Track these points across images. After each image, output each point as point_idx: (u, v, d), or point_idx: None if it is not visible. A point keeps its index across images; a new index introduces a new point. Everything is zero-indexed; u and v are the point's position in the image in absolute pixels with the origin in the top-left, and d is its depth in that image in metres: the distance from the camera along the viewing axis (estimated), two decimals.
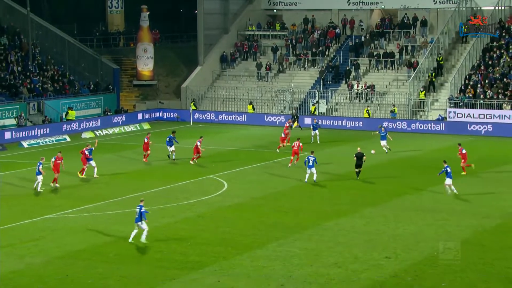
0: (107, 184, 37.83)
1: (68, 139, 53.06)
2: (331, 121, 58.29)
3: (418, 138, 52.77)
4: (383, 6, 67.70)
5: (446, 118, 56.30)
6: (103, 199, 34.16)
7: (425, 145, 49.25)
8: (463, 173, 38.28)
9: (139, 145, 43.76)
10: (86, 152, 38.40)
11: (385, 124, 56.06)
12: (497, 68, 58.05)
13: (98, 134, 55.53)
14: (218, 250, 26.37)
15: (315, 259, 25.30)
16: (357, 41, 65.66)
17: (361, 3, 67.71)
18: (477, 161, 43.89)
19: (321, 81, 63.05)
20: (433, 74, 60.35)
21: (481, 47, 60.54)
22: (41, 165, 35.21)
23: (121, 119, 59.91)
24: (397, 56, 63.27)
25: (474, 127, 54.46)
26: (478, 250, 26.27)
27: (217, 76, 68.09)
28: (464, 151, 38.80)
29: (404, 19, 65.42)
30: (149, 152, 42.90)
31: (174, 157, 43.12)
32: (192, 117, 61.41)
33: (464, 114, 55.95)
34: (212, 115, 62.36)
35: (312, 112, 59.93)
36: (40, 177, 35.23)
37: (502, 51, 59.28)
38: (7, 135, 51.65)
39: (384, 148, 44.61)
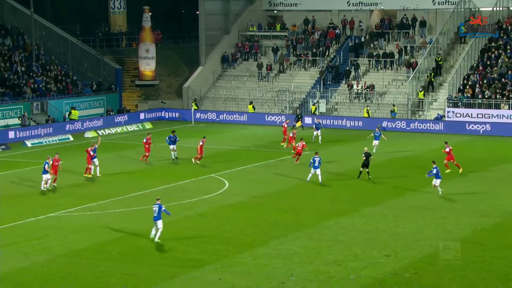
0: (110, 183, 37.82)
1: (71, 139, 53.08)
2: (331, 121, 58.24)
3: (417, 138, 52.73)
4: (382, 7, 67.69)
5: (444, 117, 56.25)
6: (105, 197, 34.16)
7: (424, 145, 49.21)
8: (448, 170, 38.04)
9: (141, 144, 43.70)
10: (91, 153, 38.32)
11: (384, 124, 56.22)
12: (495, 68, 58.02)
13: (100, 134, 55.48)
14: (220, 248, 26.36)
15: (316, 257, 25.29)
16: (357, 41, 65.64)
17: (360, 4, 67.71)
18: (476, 161, 43.95)
19: (321, 81, 63.04)
20: (432, 74, 60.34)
21: (479, 47, 60.52)
22: (47, 165, 35.25)
23: (123, 118, 59.91)
24: (396, 56, 63.26)
25: (472, 127, 54.44)
26: (477, 248, 26.25)
27: (218, 76, 68.09)
28: (448, 149, 38.61)
29: (403, 19, 65.41)
30: (148, 153, 42.53)
31: (174, 156, 42.82)
32: (193, 116, 61.41)
33: (463, 113, 55.93)
34: (214, 114, 62.37)
35: (312, 112, 59.90)
36: (46, 176, 35.22)
37: (500, 52, 59.26)
38: (11, 134, 51.66)
39: (374, 147, 44.28)
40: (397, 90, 60.77)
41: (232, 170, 40.77)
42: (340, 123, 58.19)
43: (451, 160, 38.42)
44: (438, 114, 56.93)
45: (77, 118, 57.09)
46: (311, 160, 36.85)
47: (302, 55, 66.57)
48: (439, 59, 60.76)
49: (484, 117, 55.10)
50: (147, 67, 68.62)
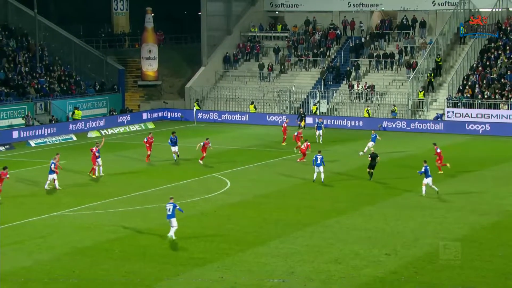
0: (112, 182, 37.86)
1: (75, 138, 53.15)
2: (332, 121, 58.27)
3: (417, 138, 52.74)
4: (383, 8, 67.71)
5: (444, 115, 56.26)
6: (108, 197, 34.21)
7: (424, 145, 49.17)
8: (440, 172, 38.11)
9: (143, 144, 43.71)
10: (96, 153, 38.33)
11: (384, 124, 56.27)
12: (495, 68, 58.04)
13: (103, 134, 55.58)
14: (222, 246, 26.40)
15: (316, 256, 25.33)
16: (357, 42, 65.66)
17: (361, 5, 67.74)
18: (476, 160, 44.00)
19: (322, 82, 63.07)
20: (432, 74, 60.36)
21: (479, 48, 60.54)
22: (53, 165, 35.30)
23: (126, 118, 59.97)
24: (396, 57, 63.29)
25: (472, 127, 54.47)
26: (476, 247, 26.29)
27: (220, 76, 68.12)
28: (439, 150, 38.71)
29: (404, 20, 65.42)
30: (150, 152, 42.48)
31: (175, 158, 42.67)
32: (195, 116, 61.46)
33: (462, 114, 55.96)
34: (215, 114, 62.41)
35: (313, 112, 59.93)
36: (52, 176, 35.26)
37: (500, 52, 59.28)
38: (15, 134, 51.73)
39: (366, 148, 44.19)
40: (397, 91, 60.79)
41: (234, 169, 40.82)
42: (340, 123, 58.23)
43: (439, 161, 38.44)
44: (437, 113, 56.96)
45: (80, 118, 57.17)
46: (313, 158, 36.91)
47: (303, 56, 66.61)
48: (439, 60, 60.78)
49: (484, 117, 55.12)
50: (150, 68, 68.68)
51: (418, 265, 24.39)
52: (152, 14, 69.23)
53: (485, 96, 56.02)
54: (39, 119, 55.48)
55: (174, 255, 25.59)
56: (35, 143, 50.85)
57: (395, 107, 58.35)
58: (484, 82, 57.03)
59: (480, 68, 58.45)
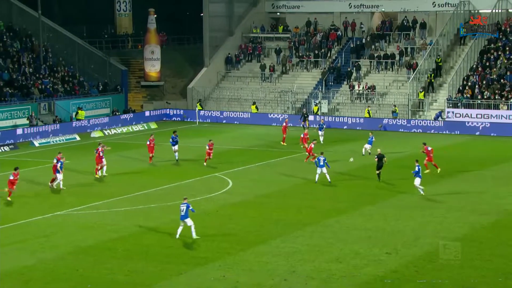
0: (115, 182, 37.85)
1: (78, 138, 53.17)
2: (333, 121, 58.20)
3: (417, 138, 52.65)
4: (383, 9, 67.67)
5: (444, 114, 56.20)
6: (111, 196, 34.21)
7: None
8: (427, 171, 37.90)
9: (145, 144, 43.69)
10: (101, 153, 38.30)
11: (385, 121, 56.26)
12: (494, 69, 57.98)
13: (106, 134, 55.62)
14: (223, 246, 26.39)
15: (317, 255, 25.30)
16: (358, 43, 65.62)
17: (362, 6, 67.70)
18: (475, 160, 43.96)
19: (323, 82, 63.04)
20: (432, 75, 60.30)
21: (478, 49, 60.48)
22: (61, 164, 35.28)
23: (129, 118, 59.94)
24: (397, 57, 63.23)
25: (472, 127, 54.39)
26: (476, 246, 26.26)
27: (222, 77, 68.10)
28: (430, 148, 38.59)
29: (404, 21, 65.36)
30: (153, 154, 42.33)
31: (177, 158, 42.67)
32: (198, 117, 61.45)
33: (462, 114, 55.90)
34: (217, 114, 62.36)
35: (315, 112, 59.91)
36: (59, 176, 35.26)
37: (499, 53, 59.21)
38: (19, 134, 51.73)
39: (363, 150, 44.09)
40: (397, 91, 60.75)
41: (235, 169, 40.80)
42: (342, 121, 58.15)
43: (429, 160, 38.39)
44: (437, 112, 56.82)
45: (83, 118, 57.18)
46: (316, 159, 36.89)
47: (304, 57, 66.58)
48: (439, 60, 60.72)
49: (483, 117, 55.06)
50: (152, 68, 68.66)
51: (419, 264, 24.36)
52: (155, 15, 69.22)
53: (485, 97, 55.96)
54: (43, 119, 55.50)
55: (176, 254, 25.57)
56: (39, 143, 50.87)
57: (396, 107, 58.30)
58: (484, 82, 56.97)
59: (479, 69, 58.39)
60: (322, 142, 48.95)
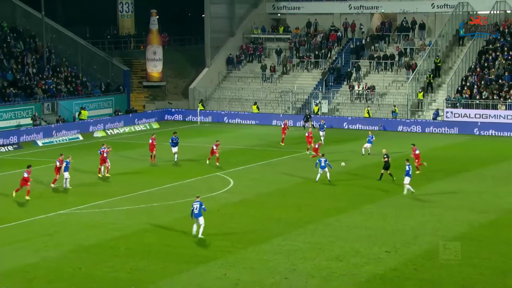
0: (118, 181, 37.84)
1: (81, 138, 53.17)
2: (333, 121, 58.19)
3: (416, 137, 52.59)
4: (383, 10, 67.64)
5: (442, 111, 56.17)
6: (113, 195, 34.20)
7: (423, 144, 49.06)
8: (418, 172, 37.88)
9: (147, 144, 43.68)
10: (105, 154, 38.26)
11: (385, 116, 56.30)
12: (493, 69, 57.97)
13: (109, 133, 55.62)
14: (225, 244, 26.37)
15: (318, 253, 25.29)
16: (358, 44, 65.60)
17: (361, 8, 67.68)
18: (474, 159, 43.92)
19: (324, 82, 63.02)
20: (431, 75, 60.27)
21: (477, 49, 60.46)
22: (68, 164, 35.28)
23: (131, 118, 59.95)
24: (396, 58, 63.21)
25: (470, 127, 54.38)
26: (475, 244, 26.24)
27: (224, 77, 68.10)
28: (417, 152, 38.54)
29: (403, 22, 65.33)
30: (154, 152, 42.30)
31: (176, 159, 42.38)
32: (199, 116, 61.44)
33: (461, 114, 55.89)
34: (219, 115, 62.33)
35: (315, 112, 59.89)
36: (66, 174, 35.27)
37: (498, 54, 59.19)
38: (23, 134, 51.74)
39: (363, 149, 44.03)
40: (397, 91, 60.73)
41: (236, 168, 40.78)
42: (341, 123, 58.16)
43: (417, 161, 38.35)
44: (436, 110, 56.73)
45: (86, 118, 57.18)
46: (317, 161, 36.83)
47: (304, 57, 66.57)
48: (438, 61, 60.69)
49: (482, 117, 55.05)
50: (154, 69, 68.67)
51: (418, 262, 24.35)
52: (157, 16, 69.23)
53: (483, 97, 55.93)
54: (46, 119, 55.51)
55: (178, 253, 25.56)
56: (42, 143, 50.88)
57: (396, 108, 58.28)
58: (482, 83, 56.94)
59: (478, 69, 58.37)
60: (323, 142, 48.92)
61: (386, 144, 46.06)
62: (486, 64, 58.50)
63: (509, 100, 55.08)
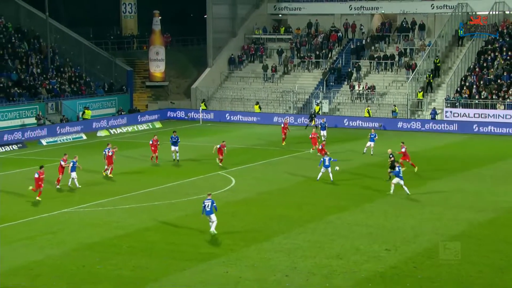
0: (121, 180, 37.84)
1: (85, 137, 53.21)
2: (333, 121, 58.17)
3: (416, 137, 52.62)
4: (383, 11, 67.63)
5: (440, 112, 56.13)
6: (116, 194, 34.21)
7: (422, 144, 49.10)
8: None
9: (148, 143, 43.64)
10: (109, 154, 38.22)
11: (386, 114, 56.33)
12: (491, 70, 57.94)
13: (112, 133, 55.65)
14: (226, 242, 26.38)
15: (318, 251, 25.29)
16: (358, 44, 65.59)
17: (362, 8, 67.66)
18: (473, 159, 43.89)
19: (324, 82, 63.02)
20: (431, 75, 60.25)
21: (476, 50, 60.44)
22: (75, 163, 35.25)
23: (134, 118, 59.97)
24: (396, 58, 63.19)
25: (469, 126, 54.35)
26: (474, 242, 26.23)
27: (225, 77, 68.11)
28: (403, 149, 38.42)
29: (403, 23, 65.31)
30: (157, 154, 41.85)
31: (177, 158, 42.11)
32: (201, 116, 61.45)
33: (460, 113, 55.86)
34: (221, 114, 62.36)
35: (316, 111, 59.87)
36: (73, 174, 35.26)
37: (496, 54, 59.15)
38: (27, 133, 51.79)
39: (365, 148, 43.91)
40: (397, 91, 60.71)
41: (238, 167, 40.78)
42: (341, 122, 58.14)
43: (407, 160, 38.32)
44: (433, 109, 56.66)
45: (90, 118, 57.22)
46: (321, 160, 36.77)
47: (305, 57, 66.56)
48: (437, 61, 60.66)
49: (481, 117, 55.03)
50: (157, 69, 68.69)
51: (418, 260, 24.34)
52: (160, 17, 69.25)
53: (482, 97, 55.91)
54: (50, 119, 55.56)
55: (180, 251, 25.57)
56: (47, 142, 50.91)
57: (396, 107, 58.26)
58: (481, 82, 56.92)
59: (477, 69, 58.34)
60: (325, 141, 48.91)
61: (386, 143, 46.02)
62: (485, 64, 58.46)
63: (508, 100, 55.07)
